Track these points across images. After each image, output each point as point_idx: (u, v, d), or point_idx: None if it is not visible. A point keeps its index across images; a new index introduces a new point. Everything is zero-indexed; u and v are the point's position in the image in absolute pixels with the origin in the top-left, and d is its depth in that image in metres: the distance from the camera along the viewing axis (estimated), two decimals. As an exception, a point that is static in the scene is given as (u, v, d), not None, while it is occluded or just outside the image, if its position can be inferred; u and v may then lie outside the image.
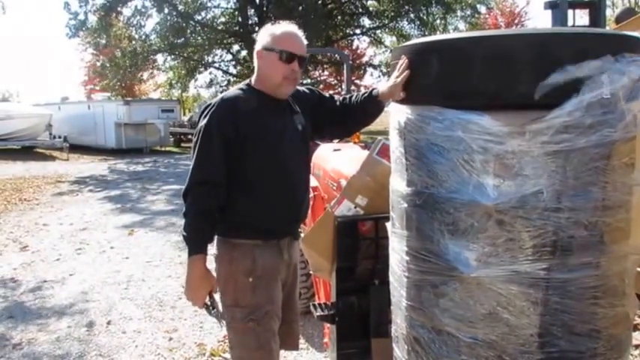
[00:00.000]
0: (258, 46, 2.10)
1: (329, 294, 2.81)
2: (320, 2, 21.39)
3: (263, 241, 2.11)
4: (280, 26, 2.10)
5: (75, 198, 10.08)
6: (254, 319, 2.08)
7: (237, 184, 2.03)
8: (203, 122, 2.02)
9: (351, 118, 2.25)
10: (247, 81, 2.18)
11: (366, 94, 2.17)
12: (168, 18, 21.29)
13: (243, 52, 22.84)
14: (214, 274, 2.13)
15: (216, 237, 2.18)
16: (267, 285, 2.12)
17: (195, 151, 2.02)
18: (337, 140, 5.03)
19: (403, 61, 1.71)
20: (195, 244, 2.00)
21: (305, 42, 2.11)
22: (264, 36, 2.09)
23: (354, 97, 2.23)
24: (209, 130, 2.00)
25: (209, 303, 2.07)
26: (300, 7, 19.71)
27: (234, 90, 2.14)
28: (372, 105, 2.12)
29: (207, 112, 2.03)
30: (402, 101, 1.72)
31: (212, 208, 2.00)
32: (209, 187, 1.98)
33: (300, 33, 2.11)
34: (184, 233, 2.02)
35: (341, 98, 2.29)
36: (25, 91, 77.85)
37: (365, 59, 29.18)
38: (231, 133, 1.99)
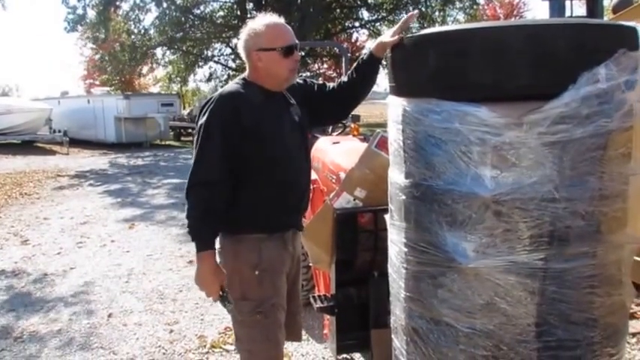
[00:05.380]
0: (252, 48, 2.06)
1: (328, 286, 2.82)
2: (319, -5, 21.30)
3: (268, 235, 2.11)
4: (263, 21, 2.06)
5: (75, 192, 10.08)
6: (261, 311, 2.08)
7: (238, 177, 2.02)
8: (202, 119, 2.00)
9: (348, 90, 2.22)
10: (242, 76, 2.17)
11: (358, 61, 2.15)
12: (167, 12, 21.21)
13: (243, 46, 22.74)
14: None
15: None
16: (273, 277, 2.12)
17: (196, 150, 2.01)
18: (337, 133, 5.05)
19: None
20: (200, 242, 1.99)
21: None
22: (253, 37, 2.06)
23: (347, 73, 2.23)
24: (208, 127, 1.99)
25: (224, 294, 2.06)
26: (299, 0, 19.62)
27: (231, 85, 2.13)
28: (366, 66, 2.11)
29: (207, 109, 2.02)
30: (399, 94, 1.72)
31: (213, 207, 1.98)
32: (209, 187, 1.97)
33: (282, 19, 2.10)
34: (189, 233, 2.01)
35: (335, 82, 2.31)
36: (25, 86, 77.72)
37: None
38: (232, 127, 1.97)
